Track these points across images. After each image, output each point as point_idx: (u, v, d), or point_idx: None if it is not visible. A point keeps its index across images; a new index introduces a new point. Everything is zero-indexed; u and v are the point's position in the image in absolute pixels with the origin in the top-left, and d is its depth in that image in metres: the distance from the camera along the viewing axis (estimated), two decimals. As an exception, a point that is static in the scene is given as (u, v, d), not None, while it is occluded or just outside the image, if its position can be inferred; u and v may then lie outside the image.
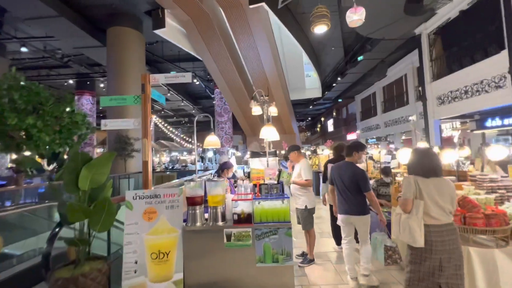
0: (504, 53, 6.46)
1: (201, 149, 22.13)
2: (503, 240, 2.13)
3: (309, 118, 35.37)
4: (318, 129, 33.03)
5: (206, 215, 2.58)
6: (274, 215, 2.46)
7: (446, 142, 10.36)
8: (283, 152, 10.22)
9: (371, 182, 4.02)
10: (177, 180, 6.03)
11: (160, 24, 8.84)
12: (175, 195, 2.46)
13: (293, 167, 3.17)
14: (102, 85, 16.62)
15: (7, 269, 2.66)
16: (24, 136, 5.21)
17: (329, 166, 3.67)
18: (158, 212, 2.41)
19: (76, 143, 5.94)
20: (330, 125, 27.09)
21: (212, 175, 4.84)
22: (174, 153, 24.17)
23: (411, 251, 1.92)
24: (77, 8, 9.52)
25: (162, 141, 23.04)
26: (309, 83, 17.26)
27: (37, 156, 5.75)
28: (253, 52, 9.64)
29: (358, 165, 2.88)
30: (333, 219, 3.67)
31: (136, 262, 2.26)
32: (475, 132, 9.81)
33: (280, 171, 2.85)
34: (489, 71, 7.01)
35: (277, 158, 3.70)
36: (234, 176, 4.80)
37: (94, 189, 2.23)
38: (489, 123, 8.94)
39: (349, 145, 2.98)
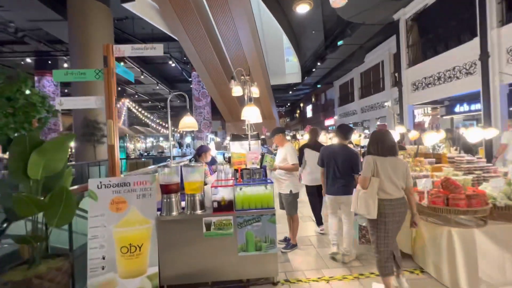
0: (476, 40, 6.67)
1: (178, 134, 21.38)
2: (482, 219, 2.18)
3: (288, 104, 35.46)
4: (297, 114, 33.28)
5: (183, 203, 2.38)
6: (257, 202, 2.31)
7: (417, 127, 10.83)
8: (262, 137, 10.10)
9: None
10: (151, 167, 5.68)
11: (129, -4, 8.02)
12: (147, 182, 2.22)
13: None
14: (66, 65, 15.13)
15: None
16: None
17: (306, 150, 3.72)
18: (128, 202, 2.16)
19: (37, 128, 5.32)
20: (309, 111, 27.35)
21: (190, 161, 4.57)
22: (150, 139, 23.19)
23: (368, 223, 2.20)
24: (30, -26, 8.34)
25: (136, 127, 21.93)
26: (289, 68, 17.05)
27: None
28: (232, 32, 9.17)
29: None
30: (312, 200, 3.73)
31: (103, 258, 2.03)
32: (444, 117, 10.32)
33: (263, 155, 2.69)
34: (461, 58, 7.24)
35: (259, 141, 3.53)
36: (214, 162, 4.58)
37: (49, 178, 1.92)
38: (457, 108, 9.42)
39: (344, 128, 3.00)
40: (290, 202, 3.04)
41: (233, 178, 2.63)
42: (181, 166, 2.36)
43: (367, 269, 2.63)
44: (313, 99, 26.21)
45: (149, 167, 5.54)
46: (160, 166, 3.45)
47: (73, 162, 8.87)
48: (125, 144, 14.05)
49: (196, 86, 15.82)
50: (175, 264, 2.28)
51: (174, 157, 10.96)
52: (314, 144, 3.72)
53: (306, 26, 12.23)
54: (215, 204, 2.25)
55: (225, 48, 10.30)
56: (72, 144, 9.32)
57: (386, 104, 12.50)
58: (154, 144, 21.74)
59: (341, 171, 2.82)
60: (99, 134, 9.01)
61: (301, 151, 3.79)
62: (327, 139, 6.91)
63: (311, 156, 3.57)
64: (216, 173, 2.81)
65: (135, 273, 2.07)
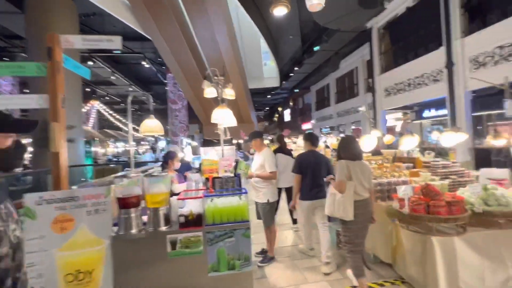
0: (442, 49, 7.04)
1: (153, 138, 20.46)
2: (461, 227, 2.13)
3: (267, 108, 35.63)
4: (275, 118, 33.50)
5: (145, 218, 2.08)
6: (230, 215, 2.08)
7: (389, 132, 11.23)
8: (240, 141, 9.86)
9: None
10: (120, 173, 5.19)
11: (95, -10, 7.46)
12: (101, 196, 1.90)
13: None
14: (25, 62, 13.85)
15: None
16: None
17: (278, 155, 3.74)
18: (75, 220, 1.81)
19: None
20: (287, 115, 27.65)
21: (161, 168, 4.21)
22: (121, 143, 21.95)
23: (341, 225, 2.34)
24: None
25: (107, 130, 20.67)
26: (267, 72, 17.07)
27: None
28: (209, 32, 8.89)
29: None
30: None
31: (42, 289, 1.67)
32: (414, 122, 10.81)
33: (237, 162, 2.48)
34: (429, 66, 7.60)
35: (233, 146, 3.31)
36: (189, 168, 4.27)
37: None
38: (426, 113, 9.89)
39: (313, 136, 3.20)
40: (267, 212, 2.84)
41: (204, 188, 2.37)
42: (142, 176, 2.06)
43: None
44: (291, 103, 26.53)
45: (110, 177, 5.06)
46: (117, 176, 3.08)
47: (30, 170, 8.01)
48: (92, 149, 13.05)
49: (172, 88, 15.23)
50: (135, 289, 1.97)
51: (146, 163, 10.33)
52: (283, 149, 4.05)
53: (284, 31, 12.31)
54: (182, 219, 1.98)
55: (201, 49, 10.00)
56: (30, 149, 8.41)
57: (360, 109, 12.88)
58: (126, 148, 20.59)
59: (317, 177, 2.92)
60: (61, 138, 8.23)
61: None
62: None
63: (284, 160, 3.81)
64: (187, 181, 2.55)
65: (84, 305, 1.73)
